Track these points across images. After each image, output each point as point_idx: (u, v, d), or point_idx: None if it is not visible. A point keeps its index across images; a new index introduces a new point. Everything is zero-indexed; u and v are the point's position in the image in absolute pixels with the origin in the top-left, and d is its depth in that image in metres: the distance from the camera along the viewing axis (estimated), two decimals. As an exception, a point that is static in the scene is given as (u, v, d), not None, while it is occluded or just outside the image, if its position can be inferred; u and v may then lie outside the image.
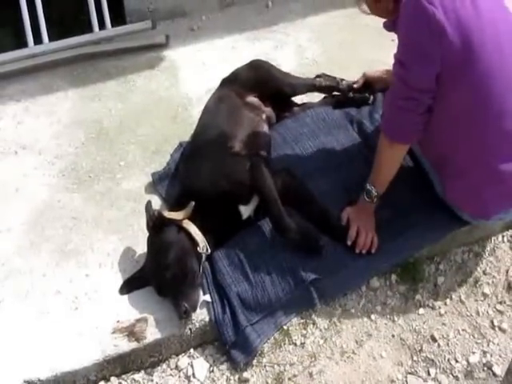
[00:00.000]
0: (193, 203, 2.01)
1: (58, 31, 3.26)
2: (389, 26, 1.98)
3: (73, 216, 2.33)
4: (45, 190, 2.47)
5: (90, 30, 3.24)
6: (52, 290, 2.07)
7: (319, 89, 2.61)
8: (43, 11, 3.15)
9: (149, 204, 2.09)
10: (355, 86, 2.56)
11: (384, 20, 2.01)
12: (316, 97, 2.61)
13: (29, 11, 3.13)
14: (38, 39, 3.15)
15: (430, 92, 1.84)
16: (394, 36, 2.90)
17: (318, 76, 2.65)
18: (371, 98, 2.53)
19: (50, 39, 3.17)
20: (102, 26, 3.26)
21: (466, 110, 1.84)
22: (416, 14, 1.77)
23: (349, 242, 2.03)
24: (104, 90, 3.01)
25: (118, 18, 3.42)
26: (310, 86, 2.60)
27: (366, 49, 3.02)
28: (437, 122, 1.89)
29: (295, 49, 3.13)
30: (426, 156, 2.08)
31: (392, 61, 2.71)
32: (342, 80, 2.61)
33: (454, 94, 1.83)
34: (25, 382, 1.82)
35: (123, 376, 1.91)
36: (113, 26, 3.28)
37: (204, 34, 3.35)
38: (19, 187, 2.49)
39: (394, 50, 2.80)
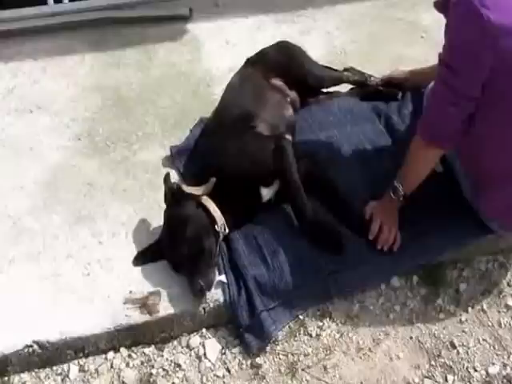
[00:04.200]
0: (214, 179, 1.97)
1: (80, -8, 3.18)
2: (440, 7, 1.87)
3: (87, 182, 2.27)
4: (59, 152, 2.40)
5: (113, -6, 3.17)
6: (64, 253, 2.02)
7: (346, 83, 2.56)
8: (66, -30, 3.08)
9: (168, 176, 2.02)
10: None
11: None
12: (343, 87, 2.55)
13: (52, -32, 3.06)
14: (58, -2, 3.08)
15: (474, 99, 1.74)
16: (424, 33, 2.90)
17: (345, 69, 2.59)
18: (400, 93, 2.46)
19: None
20: (125, -9, 3.19)
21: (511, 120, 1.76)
22: (468, 17, 1.65)
23: (371, 237, 1.98)
24: (123, 57, 2.93)
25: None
26: (337, 80, 2.54)
27: (395, 43, 2.94)
28: (480, 131, 1.81)
29: (323, 36, 3.04)
30: (464, 166, 2.00)
31: (421, 58, 2.72)
32: (371, 76, 2.55)
33: (501, 104, 1.74)
34: (34, 342, 1.78)
35: (133, 348, 1.87)
36: (136, -8, 3.21)
37: (228, 12, 3.24)
38: (33, 146, 2.43)
39: (424, 47, 2.82)
